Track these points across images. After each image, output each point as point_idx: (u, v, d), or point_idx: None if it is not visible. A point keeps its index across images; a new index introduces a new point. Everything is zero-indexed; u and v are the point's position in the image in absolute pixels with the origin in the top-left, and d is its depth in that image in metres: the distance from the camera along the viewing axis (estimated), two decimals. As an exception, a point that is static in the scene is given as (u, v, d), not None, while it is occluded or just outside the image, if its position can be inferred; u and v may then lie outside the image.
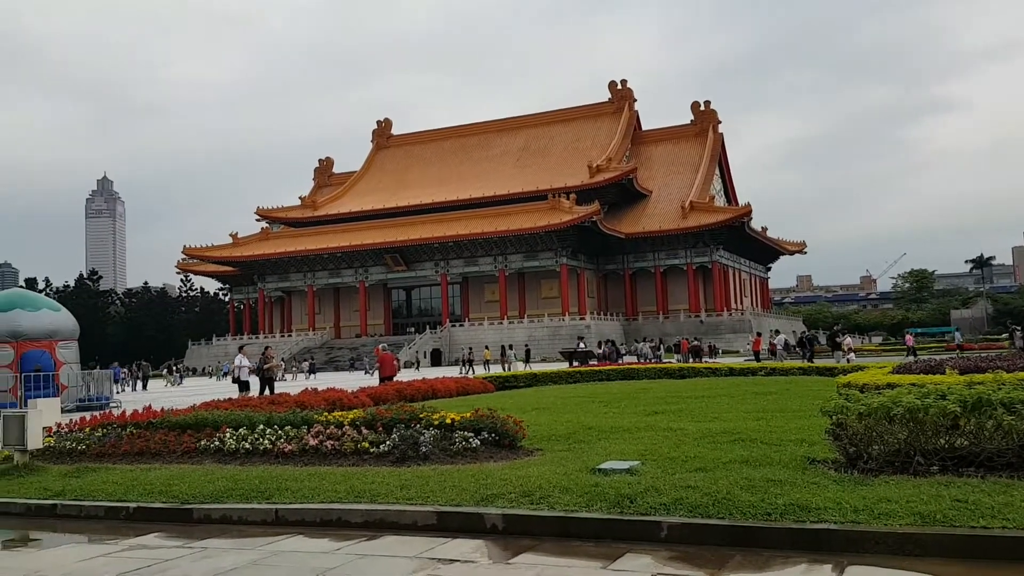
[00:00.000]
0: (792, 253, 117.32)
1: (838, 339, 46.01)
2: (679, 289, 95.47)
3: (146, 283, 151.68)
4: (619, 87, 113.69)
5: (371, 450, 10.84)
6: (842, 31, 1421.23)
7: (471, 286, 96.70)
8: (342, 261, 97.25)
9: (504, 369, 47.60)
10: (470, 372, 44.73)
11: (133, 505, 9.17)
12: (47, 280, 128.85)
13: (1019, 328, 53.24)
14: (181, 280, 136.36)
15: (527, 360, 58.41)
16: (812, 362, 35.81)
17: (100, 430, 13.16)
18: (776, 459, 9.18)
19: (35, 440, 11.86)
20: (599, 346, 56.94)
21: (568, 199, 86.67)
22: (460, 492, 8.33)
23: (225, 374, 61.86)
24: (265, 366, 25.81)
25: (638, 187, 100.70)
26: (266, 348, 27.78)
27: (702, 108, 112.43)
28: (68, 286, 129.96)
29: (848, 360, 37.53)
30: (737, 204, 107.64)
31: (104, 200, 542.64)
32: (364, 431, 11.38)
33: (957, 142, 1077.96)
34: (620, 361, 47.54)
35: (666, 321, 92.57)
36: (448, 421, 11.25)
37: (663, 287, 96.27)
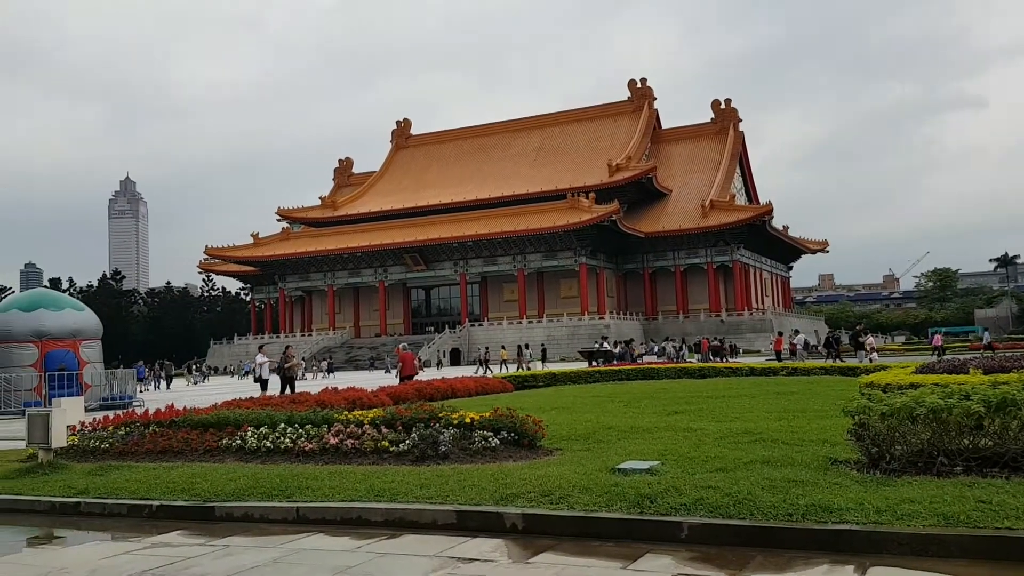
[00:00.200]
0: (814, 252, 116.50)
1: (861, 338, 45.56)
2: (699, 289, 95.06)
3: (168, 283, 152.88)
4: (638, 85, 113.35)
5: (391, 449, 10.86)
6: (863, 27, 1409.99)
7: (490, 286, 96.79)
8: (362, 261, 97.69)
9: (520, 369, 47.50)
10: (487, 372, 44.65)
11: (156, 503, 9.24)
12: (71, 280, 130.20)
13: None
14: (203, 280, 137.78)
15: (543, 360, 58.36)
16: (842, 361, 35.84)
17: (123, 429, 13.29)
18: (797, 459, 9.11)
19: (59, 438, 11.98)
20: (615, 346, 56.87)
21: (587, 198, 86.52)
22: (479, 491, 8.33)
23: (246, 373, 62.32)
24: (286, 365, 25.99)
25: (658, 186, 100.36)
26: (287, 347, 27.97)
27: (722, 106, 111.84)
28: (91, 286, 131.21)
29: (871, 360, 37.23)
30: (758, 203, 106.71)
31: (127, 201, 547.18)
32: (384, 430, 11.41)
33: (982, 139, 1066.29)
34: (639, 360, 47.39)
35: (686, 321, 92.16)
36: (467, 420, 11.26)
37: (683, 286, 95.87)
